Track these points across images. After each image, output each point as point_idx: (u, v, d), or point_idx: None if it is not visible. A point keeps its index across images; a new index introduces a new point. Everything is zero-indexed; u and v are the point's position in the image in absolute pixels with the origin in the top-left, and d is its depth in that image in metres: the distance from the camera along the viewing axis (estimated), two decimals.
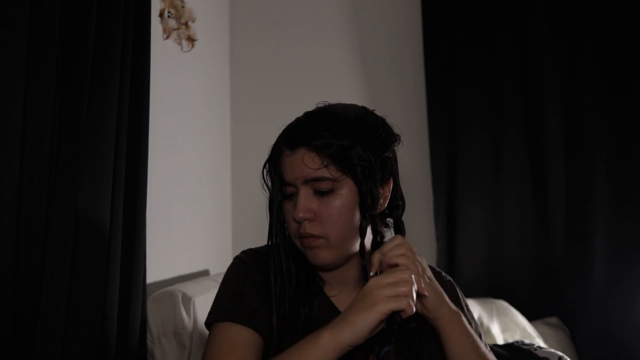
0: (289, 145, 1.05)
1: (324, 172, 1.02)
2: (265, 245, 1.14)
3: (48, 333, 1.13)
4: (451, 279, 1.22)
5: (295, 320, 1.07)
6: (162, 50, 1.81)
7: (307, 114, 1.11)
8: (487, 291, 2.21)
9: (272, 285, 1.07)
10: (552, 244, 2.20)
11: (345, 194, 1.04)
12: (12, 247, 1.08)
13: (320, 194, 1.03)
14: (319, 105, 1.14)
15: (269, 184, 1.08)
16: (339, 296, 1.12)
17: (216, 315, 1.09)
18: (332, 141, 1.02)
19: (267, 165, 1.09)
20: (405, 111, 2.34)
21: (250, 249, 1.18)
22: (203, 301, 1.58)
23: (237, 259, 1.15)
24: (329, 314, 1.06)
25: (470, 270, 2.23)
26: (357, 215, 1.04)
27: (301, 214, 1.02)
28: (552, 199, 2.19)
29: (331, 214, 1.03)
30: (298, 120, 1.10)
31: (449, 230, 2.25)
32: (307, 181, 1.03)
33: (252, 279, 1.10)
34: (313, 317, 1.07)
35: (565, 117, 2.18)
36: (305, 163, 1.02)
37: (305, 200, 1.03)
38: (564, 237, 2.18)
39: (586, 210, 2.14)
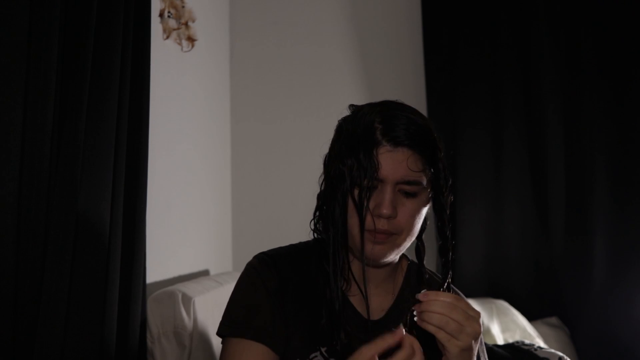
0: (393, 142, 1.01)
1: (422, 178, 1.03)
2: (284, 247, 1.15)
3: (48, 333, 1.13)
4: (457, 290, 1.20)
5: (316, 321, 1.06)
6: (162, 50, 1.81)
7: (402, 109, 1.06)
8: (487, 291, 2.21)
9: (332, 278, 1.05)
10: (552, 244, 2.20)
11: (424, 199, 1.07)
12: (12, 247, 1.08)
13: (405, 194, 1.04)
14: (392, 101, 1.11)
15: (357, 171, 1.01)
16: (358, 296, 1.11)
17: (229, 328, 1.09)
18: (436, 150, 1.04)
19: (355, 151, 1.01)
20: None
21: (264, 253, 1.14)
22: (203, 301, 1.58)
23: (249, 266, 1.13)
24: (348, 315, 1.07)
25: (470, 270, 2.23)
26: (423, 221, 1.09)
27: (386, 211, 1.01)
28: (552, 198, 2.19)
29: (410, 215, 1.05)
30: (395, 114, 1.04)
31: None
32: (400, 182, 1.02)
33: (263, 288, 1.08)
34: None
35: (565, 117, 2.18)
36: (409, 165, 1.01)
37: (392, 197, 1.02)
38: (564, 237, 2.18)
39: (586, 211, 2.14)
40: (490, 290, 2.21)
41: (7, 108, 1.07)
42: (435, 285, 1.14)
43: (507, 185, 2.23)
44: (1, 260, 1.06)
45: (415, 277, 1.15)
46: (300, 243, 1.17)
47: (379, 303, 1.12)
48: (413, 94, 2.35)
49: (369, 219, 1.02)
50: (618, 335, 2.08)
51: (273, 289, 1.08)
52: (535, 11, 2.20)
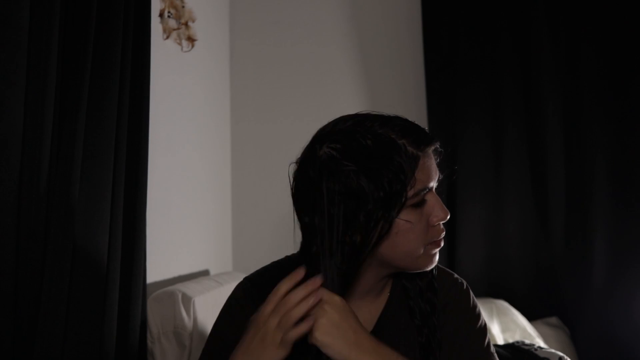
0: (424, 148, 0.97)
1: None
2: (269, 268, 1.10)
3: (48, 333, 1.13)
4: (464, 283, 1.16)
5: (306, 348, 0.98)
6: (162, 50, 1.81)
7: (388, 115, 1.02)
8: (487, 291, 2.21)
9: None
10: (552, 244, 2.20)
11: None
12: (12, 247, 1.08)
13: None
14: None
15: (410, 194, 0.94)
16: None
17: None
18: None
19: (404, 173, 0.94)
20: (405, 111, 2.30)
21: (249, 280, 1.09)
22: (203, 301, 1.58)
23: (232, 297, 1.08)
24: None
25: (470, 270, 2.23)
26: None
27: (447, 214, 0.99)
28: (552, 199, 2.19)
29: None
30: (395, 121, 1.00)
31: (449, 230, 2.25)
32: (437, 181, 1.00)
33: (245, 323, 0.99)
34: None
35: (565, 117, 2.18)
36: (436, 162, 1.00)
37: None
38: (564, 237, 2.18)
39: (586, 211, 2.14)
40: (490, 290, 2.21)
41: (7, 108, 1.07)
42: (445, 281, 1.11)
43: (507, 185, 2.23)
44: (1, 260, 1.06)
45: (404, 278, 1.09)
46: (284, 259, 1.12)
47: (368, 313, 1.07)
48: (413, 94, 2.35)
49: (432, 231, 0.99)
50: (618, 335, 2.08)
51: None
52: (535, 11, 2.19)
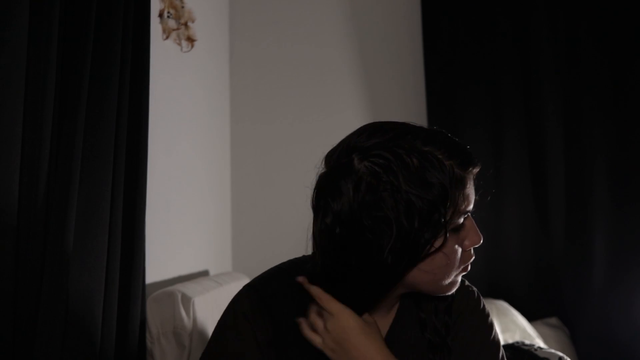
0: (470, 171, 0.91)
1: None
2: (273, 274, 1.02)
3: (48, 333, 1.13)
4: (476, 291, 1.12)
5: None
6: (161, 50, 1.81)
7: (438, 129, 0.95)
8: (487, 291, 2.21)
9: None
10: (552, 244, 2.20)
11: None
12: (12, 247, 1.08)
13: None
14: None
15: (450, 219, 0.89)
16: None
17: None
18: None
19: (449, 197, 0.88)
20: (405, 111, 2.34)
21: (255, 291, 0.99)
22: (202, 301, 1.58)
23: (238, 310, 0.97)
24: None
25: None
26: None
27: (481, 239, 0.95)
28: (552, 199, 2.19)
29: None
30: (439, 136, 0.91)
31: None
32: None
33: (253, 340, 0.95)
34: None
35: (565, 117, 2.18)
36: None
37: None
38: (564, 237, 2.18)
39: (586, 210, 2.14)
40: (490, 290, 2.21)
41: (7, 108, 1.07)
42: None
43: (507, 185, 2.23)
44: (1, 261, 1.06)
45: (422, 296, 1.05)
46: (288, 264, 1.04)
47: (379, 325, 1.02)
48: (413, 94, 2.35)
49: (465, 255, 0.96)
50: (618, 335, 2.08)
51: (266, 341, 0.95)
52: (535, 11, 2.20)
